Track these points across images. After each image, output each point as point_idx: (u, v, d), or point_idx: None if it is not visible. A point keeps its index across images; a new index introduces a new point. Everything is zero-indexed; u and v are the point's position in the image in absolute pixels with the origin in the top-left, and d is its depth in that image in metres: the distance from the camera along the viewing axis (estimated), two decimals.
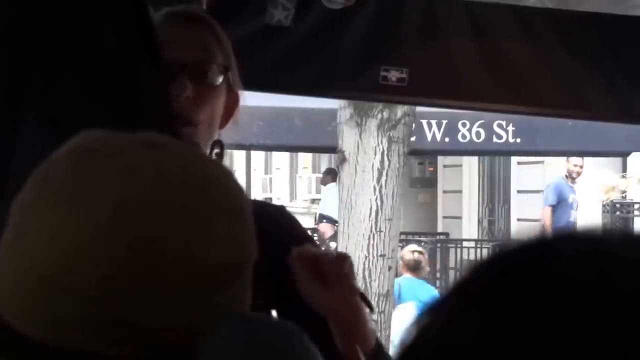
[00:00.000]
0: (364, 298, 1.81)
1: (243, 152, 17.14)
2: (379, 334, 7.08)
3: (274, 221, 1.84)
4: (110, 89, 1.59)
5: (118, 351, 1.03)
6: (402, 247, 9.05)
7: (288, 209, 2.06)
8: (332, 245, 11.22)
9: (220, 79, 1.85)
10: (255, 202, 1.96)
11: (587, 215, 13.11)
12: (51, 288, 1.02)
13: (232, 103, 1.92)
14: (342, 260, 1.77)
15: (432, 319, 0.63)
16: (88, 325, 1.02)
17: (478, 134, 10.16)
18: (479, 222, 16.98)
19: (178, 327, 1.04)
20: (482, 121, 10.04)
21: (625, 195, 13.41)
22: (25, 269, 1.04)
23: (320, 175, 17.31)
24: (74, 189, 1.05)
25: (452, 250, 15.05)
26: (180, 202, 1.05)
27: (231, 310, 1.07)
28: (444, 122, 10.08)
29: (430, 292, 8.65)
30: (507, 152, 11.59)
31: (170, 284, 1.03)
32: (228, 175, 1.13)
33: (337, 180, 10.08)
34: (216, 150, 1.89)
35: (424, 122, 9.94)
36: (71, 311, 1.02)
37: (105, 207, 1.02)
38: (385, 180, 7.12)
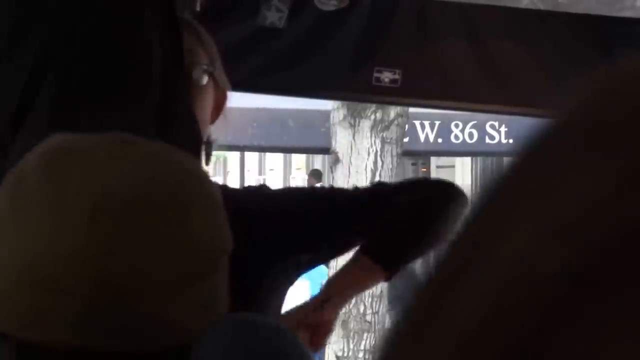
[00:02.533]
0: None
1: (237, 154, 17.14)
2: (372, 335, 7.09)
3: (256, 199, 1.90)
4: (137, 92, 1.60)
5: (101, 346, 1.03)
6: None
7: None
8: None
9: (205, 80, 1.87)
10: (233, 189, 2.01)
11: None
12: (33, 288, 1.03)
13: (221, 98, 1.94)
14: (320, 314, 1.90)
15: None
16: (68, 321, 1.03)
17: (471, 135, 10.17)
18: None
19: (158, 316, 1.04)
20: (475, 122, 10.06)
21: None
22: (4, 272, 1.04)
23: None
24: (50, 189, 1.05)
25: None
26: (158, 196, 1.05)
27: (212, 297, 1.08)
28: (437, 123, 10.09)
29: None
30: (500, 152, 11.62)
31: (147, 275, 1.03)
32: (201, 169, 1.14)
33: (321, 181, 10.07)
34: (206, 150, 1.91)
35: (417, 123, 9.96)
36: (50, 308, 1.02)
37: (83, 205, 1.03)
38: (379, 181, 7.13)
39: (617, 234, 0.29)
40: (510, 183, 0.35)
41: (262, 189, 1.98)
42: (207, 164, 1.91)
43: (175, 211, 1.06)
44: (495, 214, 0.34)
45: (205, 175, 1.14)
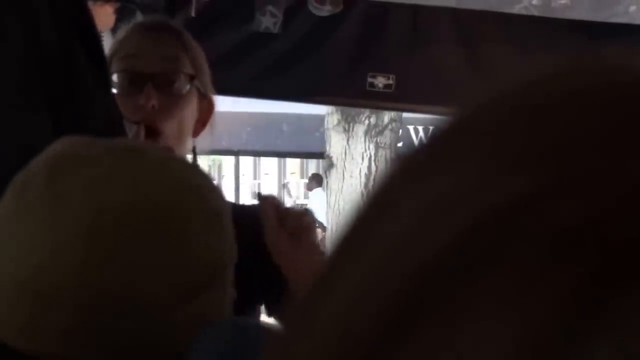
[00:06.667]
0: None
1: (232, 158, 17.13)
2: None
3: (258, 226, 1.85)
4: (47, 86, 1.61)
5: (93, 357, 1.04)
6: None
7: None
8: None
9: (187, 88, 1.86)
10: (243, 206, 1.98)
11: None
12: (32, 298, 1.03)
13: (207, 108, 1.93)
14: (303, 215, 1.77)
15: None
16: (64, 332, 1.03)
17: None
18: None
19: (154, 331, 1.05)
20: None
21: None
22: (6, 280, 1.05)
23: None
24: (51, 199, 1.05)
25: None
26: (154, 209, 1.06)
27: (209, 312, 1.09)
28: (431, 128, 10.09)
29: None
30: None
31: (144, 290, 1.04)
32: (204, 180, 1.14)
33: (322, 185, 10.07)
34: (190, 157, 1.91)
35: (411, 127, 9.97)
36: (47, 319, 1.03)
37: (82, 218, 1.03)
38: (373, 186, 7.13)
39: (479, 218, 0.29)
40: (397, 175, 0.35)
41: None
42: None
43: (173, 227, 1.06)
44: (378, 204, 0.35)
45: (206, 186, 1.13)
